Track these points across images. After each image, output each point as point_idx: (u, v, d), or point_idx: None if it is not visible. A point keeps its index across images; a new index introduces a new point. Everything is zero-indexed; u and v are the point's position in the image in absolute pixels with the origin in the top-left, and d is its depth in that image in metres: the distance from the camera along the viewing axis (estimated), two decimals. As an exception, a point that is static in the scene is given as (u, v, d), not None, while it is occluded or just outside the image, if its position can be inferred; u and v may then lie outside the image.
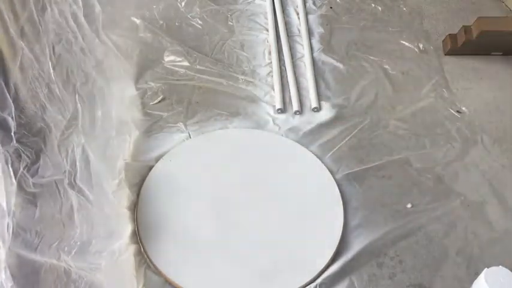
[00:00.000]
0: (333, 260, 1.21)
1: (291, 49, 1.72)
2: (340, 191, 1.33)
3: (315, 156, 1.40)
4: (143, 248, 1.19)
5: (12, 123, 1.19)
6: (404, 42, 1.75)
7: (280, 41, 1.73)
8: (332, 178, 1.35)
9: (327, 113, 1.52)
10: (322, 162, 1.39)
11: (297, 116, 1.52)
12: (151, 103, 1.52)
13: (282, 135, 1.46)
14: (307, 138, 1.45)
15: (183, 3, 1.82)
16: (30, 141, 1.21)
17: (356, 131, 1.48)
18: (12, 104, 1.21)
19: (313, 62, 1.68)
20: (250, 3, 1.87)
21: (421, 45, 1.75)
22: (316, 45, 1.73)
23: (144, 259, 1.19)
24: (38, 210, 1.13)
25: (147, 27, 1.72)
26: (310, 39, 1.74)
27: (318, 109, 1.53)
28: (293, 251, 1.21)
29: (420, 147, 1.45)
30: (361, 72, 1.65)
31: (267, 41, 1.73)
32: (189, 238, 1.22)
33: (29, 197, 1.14)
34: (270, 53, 1.69)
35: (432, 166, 1.41)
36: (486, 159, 1.44)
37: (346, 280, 1.18)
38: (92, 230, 1.15)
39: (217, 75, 1.61)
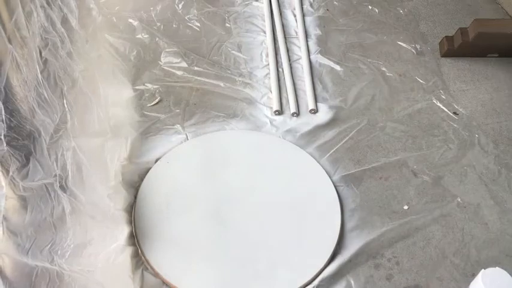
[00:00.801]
0: (330, 261, 1.21)
1: (288, 51, 1.72)
2: (338, 193, 1.33)
3: (312, 158, 1.40)
4: (140, 250, 1.19)
5: (2, 127, 1.19)
6: (401, 44, 1.76)
7: (278, 43, 1.74)
8: (329, 180, 1.36)
9: (324, 114, 1.52)
10: (320, 163, 1.39)
11: (294, 118, 1.52)
12: (149, 105, 1.52)
13: (280, 136, 1.46)
14: (304, 140, 1.45)
15: (180, 5, 1.83)
16: (20, 145, 1.20)
17: (353, 132, 1.48)
18: (2, 107, 1.21)
19: (311, 64, 1.68)
20: (247, 5, 1.87)
21: (418, 47, 1.75)
22: (313, 47, 1.74)
23: (141, 261, 1.18)
24: (29, 213, 1.12)
25: (144, 28, 1.72)
26: (307, 41, 1.75)
27: (315, 111, 1.53)
28: (291, 252, 1.21)
29: (417, 148, 1.45)
30: (358, 74, 1.65)
31: (264, 43, 1.73)
32: (186, 240, 1.22)
33: (20, 201, 1.13)
34: (267, 55, 1.69)
35: (429, 167, 1.41)
36: (483, 161, 1.45)
37: (343, 281, 1.18)
38: (86, 232, 1.15)
39: (215, 77, 1.61)
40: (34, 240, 1.09)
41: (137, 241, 1.20)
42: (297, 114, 1.52)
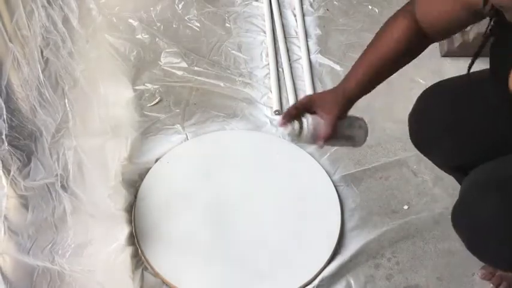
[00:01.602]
0: (330, 261, 1.21)
1: (288, 51, 1.72)
2: (338, 193, 1.33)
3: (312, 158, 1.40)
4: (140, 250, 1.19)
5: (3, 126, 1.19)
6: (401, 44, 1.75)
7: (278, 43, 1.74)
8: (329, 179, 1.36)
9: (324, 114, 1.52)
10: (320, 163, 1.39)
11: (294, 118, 1.52)
12: (149, 105, 1.52)
13: (279, 136, 1.46)
14: (304, 139, 1.45)
15: (180, 5, 1.83)
16: (21, 144, 1.20)
17: (353, 132, 1.48)
18: (3, 106, 1.21)
19: (310, 63, 1.68)
20: (247, 5, 1.87)
21: (417, 47, 1.75)
22: (313, 47, 1.74)
23: (141, 261, 1.18)
24: (30, 213, 1.12)
25: (144, 29, 1.72)
26: (307, 41, 1.75)
27: (315, 111, 1.53)
28: (290, 252, 1.21)
29: (417, 148, 1.45)
30: (358, 74, 1.65)
31: (264, 43, 1.73)
32: (186, 240, 1.22)
33: (21, 200, 1.13)
34: (267, 55, 1.69)
35: (429, 167, 1.41)
36: (483, 161, 1.44)
37: (343, 281, 1.18)
38: (87, 232, 1.15)
39: (215, 77, 1.61)
40: (35, 240, 1.09)
41: (137, 241, 1.21)
42: (297, 114, 1.52)
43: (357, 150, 1.44)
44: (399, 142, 1.47)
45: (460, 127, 0.97)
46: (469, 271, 1.21)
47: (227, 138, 1.45)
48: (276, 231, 1.25)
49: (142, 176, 1.34)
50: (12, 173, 1.13)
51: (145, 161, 1.37)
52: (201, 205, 1.28)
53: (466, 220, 0.87)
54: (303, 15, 1.84)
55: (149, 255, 1.18)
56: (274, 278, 1.17)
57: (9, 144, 1.18)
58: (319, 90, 1.60)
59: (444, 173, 1.37)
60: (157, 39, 1.69)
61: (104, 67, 1.57)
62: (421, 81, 1.64)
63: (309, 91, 1.58)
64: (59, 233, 1.12)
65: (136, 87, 1.56)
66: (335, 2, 1.90)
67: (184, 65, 1.63)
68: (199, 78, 1.60)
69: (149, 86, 1.57)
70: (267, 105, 1.54)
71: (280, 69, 1.65)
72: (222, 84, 1.59)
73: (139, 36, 1.70)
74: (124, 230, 1.20)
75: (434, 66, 1.70)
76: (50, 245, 1.11)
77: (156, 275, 1.16)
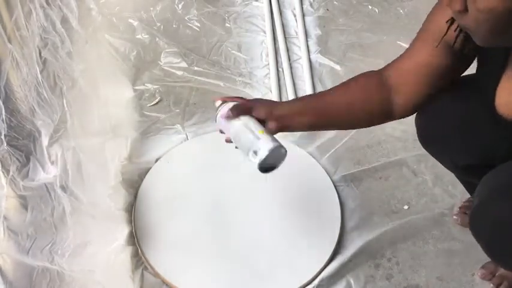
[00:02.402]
0: (330, 261, 1.21)
1: (288, 51, 1.72)
2: (338, 193, 1.33)
3: (312, 158, 1.40)
4: (140, 250, 1.19)
5: (2, 126, 1.19)
6: (401, 44, 1.75)
7: (278, 43, 1.74)
8: (329, 179, 1.36)
9: (324, 114, 1.52)
10: (320, 163, 1.39)
11: (294, 118, 1.52)
12: (149, 105, 1.52)
13: (279, 136, 1.46)
14: (304, 139, 1.45)
15: (180, 5, 1.83)
16: (20, 144, 1.20)
17: (353, 132, 1.48)
18: (2, 106, 1.21)
19: (310, 63, 1.68)
20: (247, 5, 1.87)
21: (417, 47, 1.75)
22: (313, 47, 1.74)
23: (141, 261, 1.18)
24: (29, 213, 1.11)
25: (144, 29, 1.72)
26: (307, 41, 1.75)
27: (315, 111, 1.53)
28: (290, 252, 1.21)
29: (417, 148, 1.45)
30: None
31: (264, 43, 1.73)
32: (186, 240, 1.22)
33: (20, 200, 1.13)
34: (267, 55, 1.69)
35: (429, 167, 1.41)
36: (483, 161, 1.44)
37: (343, 281, 1.18)
38: (87, 232, 1.15)
39: (215, 76, 1.61)
40: (34, 240, 1.08)
41: (137, 241, 1.21)
42: (297, 114, 1.52)
43: (357, 150, 1.44)
44: (399, 142, 1.47)
45: (468, 126, 0.96)
46: (469, 271, 1.21)
47: (227, 138, 1.45)
48: (276, 231, 1.25)
49: (142, 176, 1.34)
50: (11, 173, 1.13)
51: (145, 161, 1.37)
52: (201, 205, 1.28)
53: (485, 223, 0.85)
54: (303, 15, 1.84)
55: (149, 255, 1.18)
56: (274, 278, 1.17)
57: (8, 144, 1.18)
58: (319, 90, 1.60)
59: (444, 173, 1.37)
60: (157, 39, 1.70)
61: (103, 67, 1.57)
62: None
63: (309, 91, 1.58)
64: (59, 233, 1.12)
65: (136, 87, 1.56)
66: (335, 2, 1.90)
67: (184, 65, 1.63)
68: (199, 78, 1.61)
69: (149, 86, 1.57)
70: (267, 105, 1.54)
71: (280, 69, 1.66)
72: (222, 84, 1.59)
73: (139, 36, 1.70)
74: (124, 230, 1.20)
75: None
76: (50, 245, 1.10)
77: (156, 275, 1.16)
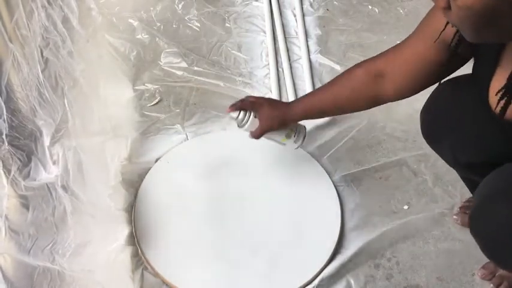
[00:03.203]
0: (330, 261, 1.21)
1: (288, 51, 1.72)
2: (338, 192, 1.33)
3: (312, 158, 1.40)
4: (140, 250, 1.19)
5: (4, 126, 1.19)
6: (401, 44, 1.76)
7: (278, 43, 1.74)
8: (329, 179, 1.36)
9: (324, 114, 1.52)
10: (320, 163, 1.39)
11: (294, 118, 1.52)
12: (149, 105, 1.52)
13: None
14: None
15: (180, 5, 1.83)
16: (21, 144, 1.20)
17: (353, 132, 1.48)
18: (4, 106, 1.21)
19: (310, 63, 1.68)
20: (247, 5, 1.87)
21: (417, 47, 1.75)
22: (313, 47, 1.74)
23: (141, 261, 1.18)
24: (30, 213, 1.12)
25: (144, 29, 1.72)
26: (307, 41, 1.75)
27: (315, 111, 1.53)
28: (290, 252, 1.21)
29: (417, 148, 1.45)
30: (358, 74, 1.65)
31: (264, 43, 1.73)
32: (186, 239, 1.22)
33: (21, 200, 1.13)
34: (267, 55, 1.69)
35: (429, 167, 1.41)
36: (483, 161, 1.44)
37: (343, 281, 1.18)
38: (87, 232, 1.15)
39: (215, 76, 1.61)
40: (35, 240, 1.09)
41: (137, 241, 1.21)
42: (297, 114, 1.52)
43: (357, 150, 1.44)
44: (399, 142, 1.47)
45: (470, 123, 0.96)
46: (469, 271, 1.21)
47: (227, 138, 1.45)
48: (276, 231, 1.25)
49: (142, 176, 1.34)
50: (12, 172, 1.14)
51: (145, 161, 1.37)
52: (201, 205, 1.28)
53: (485, 223, 0.85)
54: (303, 15, 1.84)
55: (149, 255, 1.18)
56: (274, 278, 1.17)
57: (10, 144, 1.18)
58: (319, 90, 1.60)
59: (444, 173, 1.38)
60: (157, 39, 1.70)
61: (103, 67, 1.57)
62: (421, 81, 1.64)
63: (308, 91, 1.58)
64: (59, 233, 1.12)
65: (136, 87, 1.56)
66: (335, 2, 1.90)
67: (184, 65, 1.63)
68: (199, 78, 1.61)
69: (149, 86, 1.57)
70: (267, 105, 1.54)
71: (280, 69, 1.66)
72: (222, 84, 1.59)
73: (139, 36, 1.70)
74: (124, 230, 1.20)
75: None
76: (50, 245, 1.11)
77: (156, 275, 1.16)
